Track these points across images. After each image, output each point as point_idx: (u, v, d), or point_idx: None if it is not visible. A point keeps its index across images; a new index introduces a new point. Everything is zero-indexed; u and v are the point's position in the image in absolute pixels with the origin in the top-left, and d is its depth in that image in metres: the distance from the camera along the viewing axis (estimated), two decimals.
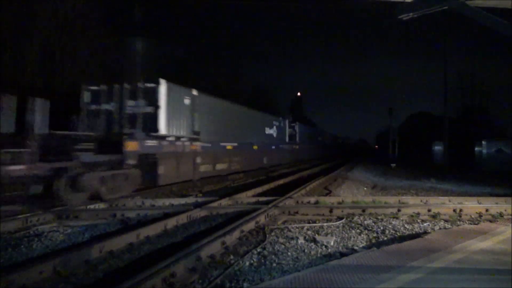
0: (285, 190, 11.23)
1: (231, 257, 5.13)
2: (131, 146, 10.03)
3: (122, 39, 25.11)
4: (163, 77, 12.09)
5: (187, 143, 12.89)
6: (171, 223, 6.84)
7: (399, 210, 8.13)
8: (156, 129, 11.20)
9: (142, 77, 14.29)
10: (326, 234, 6.41)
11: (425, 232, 6.47)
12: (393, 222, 7.34)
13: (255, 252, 5.36)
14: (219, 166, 15.52)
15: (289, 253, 5.32)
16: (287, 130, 27.02)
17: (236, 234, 6.01)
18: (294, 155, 28.43)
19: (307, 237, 6.17)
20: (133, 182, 10.41)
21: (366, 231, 6.65)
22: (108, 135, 10.89)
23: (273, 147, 23.36)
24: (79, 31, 20.46)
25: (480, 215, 8.07)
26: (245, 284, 4.22)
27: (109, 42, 22.00)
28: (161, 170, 11.17)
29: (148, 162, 10.86)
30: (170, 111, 11.82)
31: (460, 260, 4.76)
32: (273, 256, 5.17)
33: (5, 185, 8.81)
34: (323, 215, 7.81)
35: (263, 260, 5.02)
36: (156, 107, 11.25)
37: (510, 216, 7.92)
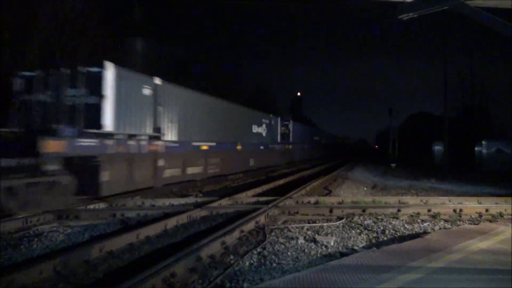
0: (285, 190, 11.23)
1: (231, 257, 5.13)
2: (51, 146, 7.94)
3: (122, 39, 25.13)
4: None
5: (144, 143, 10.66)
6: (171, 223, 6.84)
7: (399, 210, 8.13)
8: (99, 125, 9.12)
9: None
10: (326, 234, 6.41)
11: (425, 232, 6.47)
12: (393, 222, 7.34)
13: (255, 252, 5.36)
14: (191, 170, 13.36)
15: (289, 253, 5.32)
16: (279, 129, 25.00)
17: (236, 234, 6.01)
18: (287, 156, 26.28)
19: (307, 237, 6.17)
20: (62, 192, 8.28)
21: (366, 231, 6.65)
22: (23, 132, 8.97)
23: (262, 147, 21.12)
24: (79, 31, 20.46)
25: (480, 215, 8.07)
26: (245, 284, 4.21)
27: (109, 42, 22.01)
28: (104, 176, 9.05)
29: (86, 167, 8.81)
30: (121, 103, 9.74)
31: (460, 260, 4.76)
32: (273, 256, 5.16)
33: None
34: (323, 215, 7.81)
35: (263, 260, 5.01)
36: (101, 97, 9.17)
37: (510, 216, 7.93)
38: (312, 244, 5.79)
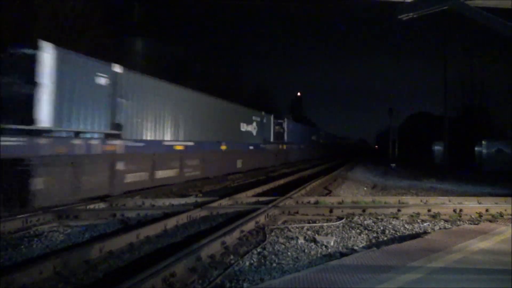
0: (285, 190, 11.24)
1: (231, 257, 5.13)
2: None
3: (122, 39, 25.15)
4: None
5: (96, 142, 9.01)
6: (171, 223, 6.84)
7: (399, 210, 8.13)
8: (30, 119, 7.54)
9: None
10: (326, 234, 6.41)
11: (425, 232, 6.47)
12: (393, 222, 7.34)
13: (255, 252, 5.36)
14: (163, 174, 11.73)
15: (289, 253, 5.32)
16: (272, 128, 23.48)
17: (236, 234, 6.01)
18: (281, 156, 24.70)
19: (307, 237, 6.17)
20: None
21: (366, 231, 6.65)
22: None
23: (251, 147, 19.41)
24: (79, 31, 20.46)
25: (480, 215, 8.07)
26: (245, 284, 4.21)
27: (109, 42, 22.01)
28: (37, 184, 7.48)
29: (10, 173, 7.25)
30: (65, 93, 8.22)
31: (460, 260, 4.76)
32: (273, 256, 5.16)
33: None
34: (323, 215, 7.81)
35: (263, 260, 5.01)
36: (34, 85, 7.59)
37: (510, 216, 7.93)
38: (312, 244, 5.79)
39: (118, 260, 5.07)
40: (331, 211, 7.91)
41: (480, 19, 7.23)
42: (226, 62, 42.29)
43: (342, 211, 7.96)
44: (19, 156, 7.31)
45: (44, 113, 7.82)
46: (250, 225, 6.62)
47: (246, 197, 10.08)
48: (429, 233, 6.39)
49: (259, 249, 5.47)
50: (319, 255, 5.32)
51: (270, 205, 8.17)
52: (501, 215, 8.07)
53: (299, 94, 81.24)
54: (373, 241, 6.10)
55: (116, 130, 9.74)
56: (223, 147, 16.04)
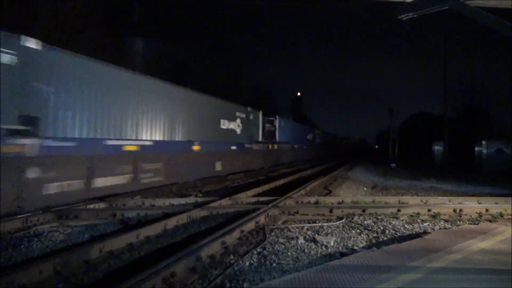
0: (285, 190, 11.23)
1: (231, 257, 5.13)
2: None
3: (122, 39, 25.16)
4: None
5: None
6: (171, 223, 6.83)
7: (399, 210, 8.13)
8: None
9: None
10: (326, 234, 6.41)
11: (425, 232, 6.47)
12: (393, 222, 7.34)
13: (255, 252, 5.36)
14: (105, 181, 9.48)
15: (289, 253, 5.32)
16: (261, 126, 21.48)
17: (236, 234, 6.01)
18: (272, 157, 22.51)
19: (307, 237, 6.17)
20: None
21: (366, 231, 6.65)
22: None
23: (234, 147, 17.24)
24: (79, 31, 20.47)
25: (480, 215, 8.07)
26: (245, 284, 4.21)
27: (109, 42, 22.03)
28: None
29: None
30: None
31: (460, 260, 4.76)
32: (273, 256, 5.16)
33: None
34: (323, 215, 7.81)
35: (263, 260, 5.01)
36: None
37: (510, 216, 7.92)
38: (312, 244, 5.79)
39: (118, 260, 5.07)
40: (331, 211, 7.91)
41: (480, 19, 7.23)
42: (226, 62, 42.31)
43: (342, 211, 7.96)
44: None
45: None
46: (250, 225, 6.62)
47: (246, 197, 10.08)
48: (429, 233, 6.39)
49: (259, 249, 5.47)
50: (319, 255, 5.32)
51: (270, 205, 8.17)
52: (501, 215, 8.07)
53: (299, 94, 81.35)
54: (373, 241, 6.09)
55: (27, 125, 7.47)
56: (196, 147, 13.87)
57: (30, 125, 7.72)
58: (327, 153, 44.85)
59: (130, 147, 10.42)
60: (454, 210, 8.19)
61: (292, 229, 6.65)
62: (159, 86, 12.57)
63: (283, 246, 5.64)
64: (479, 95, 41.69)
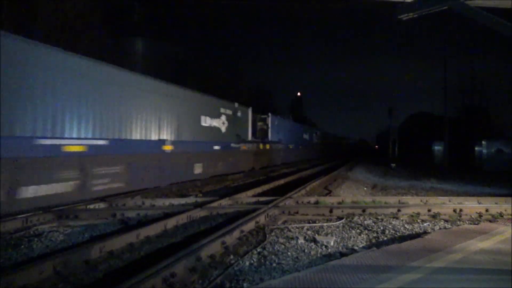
0: (285, 190, 11.23)
1: (231, 257, 5.13)
2: None
3: (122, 39, 25.18)
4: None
5: None
6: (171, 223, 6.83)
7: (399, 210, 8.13)
8: None
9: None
10: (326, 234, 6.41)
11: (425, 232, 6.47)
12: (393, 222, 7.34)
13: (255, 252, 5.36)
14: (38, 190, 7.75)
15: (289, 253, 5.32)
16: (250, 123, 19.72)
17: (236, 234, 6.01)
18: (263, 158, 20.67)
19: (307, 237, 6.17)
20: None
21: (366, 231, 6.65)
22: None
23: (217, 147, 15.28)
24: (79, 31, 20.48)
25: (480, 215, 8.07)
26: (245, 284, 4.22)
27: (109, 42, 22.05)
28: None
29: None
30: None
31: (460, 260, 4.76)
32: (273, 256, 5.16)
33: None
34: (323, 215, 7.81)
35: (263, 260, 5.01)
36: None
37: (510, 216, 7.93)
38: (312, 244, 5.79)
39: (118, 260, 5.07)
40: (331, 211, 7.91)
41: (480, 19, 7.24)
42: (226, 62, 42.38)
43: (342, 211, 7.96)
44: None
45: None
46: (250, 225, 6.62)
47: (246, 197, 10.07)
48: (429, 233, 6.39)
49: (259, 249, 5.47)
50: (319, 255, 5.32)
51: (270, 205, 8.17)
52: (501, 215, 8.07)
53: (299, 94, 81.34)
54: (373, 241, 6.09)
55: None
56: (167, 147, 11.97)
57: None
58: (326, 154, 43.67)
59: (74, 147, 8.54)
60: (454, 210, 8.19)
61: (292, 229, 6.65)
62: (121, 76, 10.55)
63: (283, 246, 5.64)
64: (479, 95, 41.73)
